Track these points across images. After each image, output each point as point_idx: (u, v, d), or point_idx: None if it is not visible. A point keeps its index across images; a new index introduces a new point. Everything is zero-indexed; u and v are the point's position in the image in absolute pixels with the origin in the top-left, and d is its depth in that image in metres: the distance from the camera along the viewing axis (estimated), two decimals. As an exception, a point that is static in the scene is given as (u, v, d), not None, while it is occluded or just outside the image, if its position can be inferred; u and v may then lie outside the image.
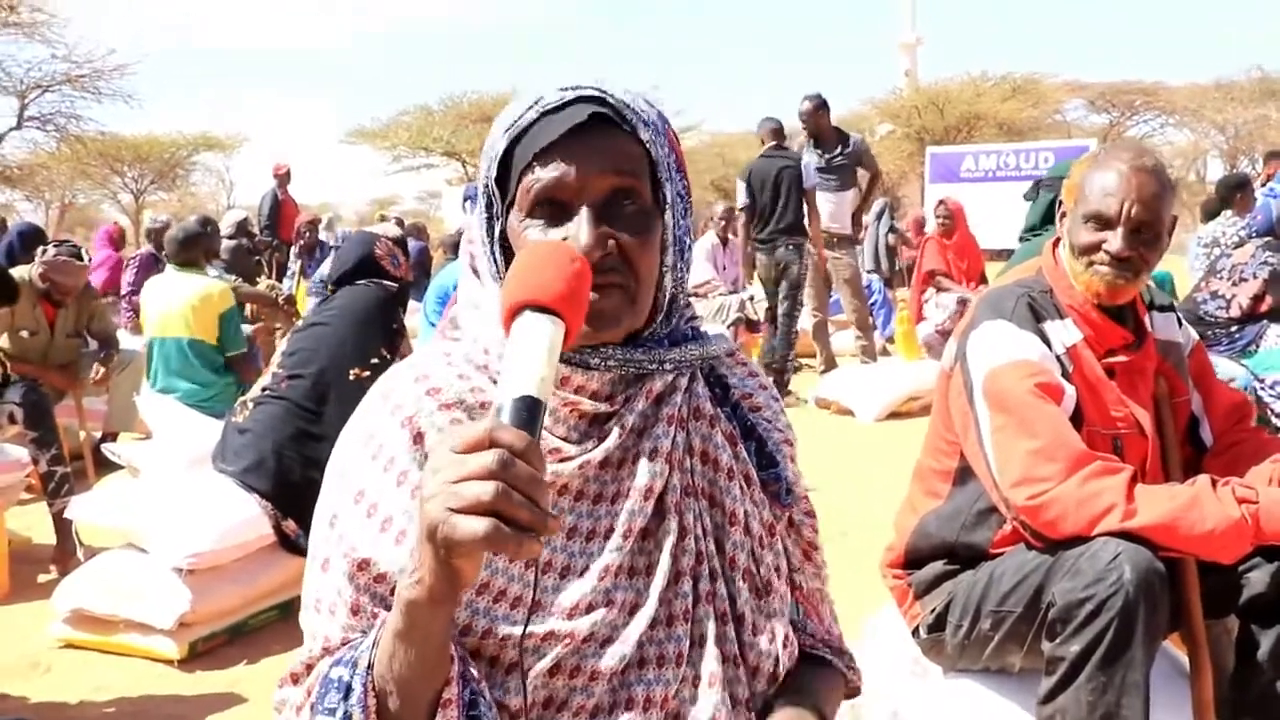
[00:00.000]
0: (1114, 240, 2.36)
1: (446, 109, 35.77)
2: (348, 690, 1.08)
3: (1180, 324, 2.67)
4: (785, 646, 1.32)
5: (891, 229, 14.48)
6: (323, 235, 11.90)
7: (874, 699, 2.61)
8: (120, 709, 3.45)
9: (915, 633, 2.62)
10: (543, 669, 1.17)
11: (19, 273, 5.63)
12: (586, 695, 1.19)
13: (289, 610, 4.07)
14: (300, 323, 4.66)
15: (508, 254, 1.24)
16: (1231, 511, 2.11)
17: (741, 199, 8.66)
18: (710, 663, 1.25)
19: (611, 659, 1.20)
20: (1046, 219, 4.46)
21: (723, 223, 10.94)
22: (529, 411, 0.94)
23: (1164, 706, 2.23)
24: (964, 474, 2.52)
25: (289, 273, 11.57)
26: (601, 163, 1.17)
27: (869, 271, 13.15)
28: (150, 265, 9.65)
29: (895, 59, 46.90)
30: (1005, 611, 2.32)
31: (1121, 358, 2.46)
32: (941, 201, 10.20)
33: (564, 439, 1.24)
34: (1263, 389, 4.49)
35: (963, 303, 8.56)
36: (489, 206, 1.25)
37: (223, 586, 3.85)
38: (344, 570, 1.18)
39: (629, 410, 1.25)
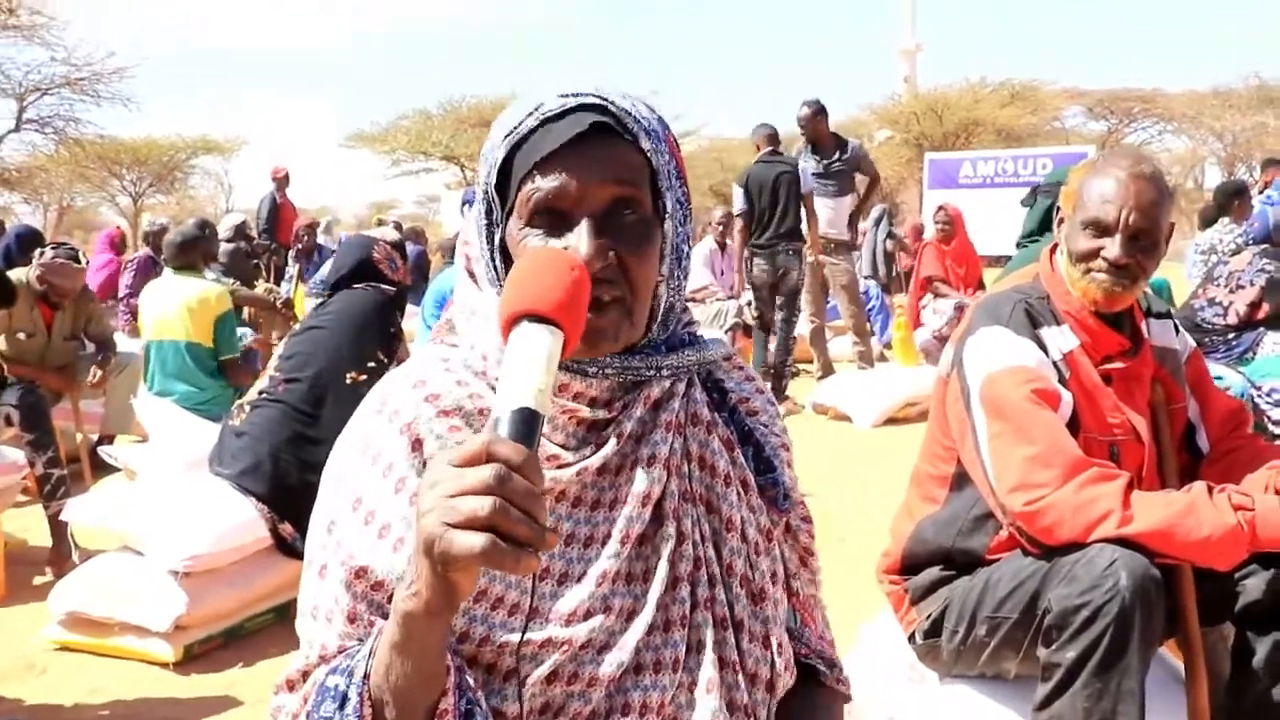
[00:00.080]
0: (1112, 247, 2.36)
1: (445, 113, 35.75)
2: (344, 699, 1.08)
3: (1177, 331, 2.67)
4: (781, 654, 1.32)
5: (890, 235, 14.50)
6: (321, 239, 11.89)
7: (870, 705, 2.60)
8: (115, 712, 3.45)
9: (911, 638, 2.62)
10: (540, 676, 1.17)
11: (16, 275, 5.62)
12: (584, 701, 1.19)
13: (285, 613, 4.07)
14: (297, 326, 4.66)
15: (506, 260, 1.23)
16: (1228, 518, 2.10)
17: (739, 204, 8.65)
18: (708, 669, 1.24)
19: (609, 666, 1.20)
20: (1044, 225, 4.47)
21: (720, 228, 10.95)
22: (527, 424, 0.93)
23: (1159, 713, 2.23)
24: (961, 480, 2.52)
25: (287, 276, 11.56)
26: (603, 173, 1.16)
27: (866, 277, 13.15)
28: (148, 268, 9.65)
29: (894, 65, 46.94)
30: (1001, 617, 2.32)
31: (1118, 364, 2.46)
32: (941, 207, 10.21)
33: (562, 445, 1.24)
34: (1259, 396, 4.49)
35: (960, 309, 8.57)
36: (488, 213, 1.24)
37: (219, 589, 3.85)
38: (341, 578, 1.17)
39: (627, 417, 1.25)
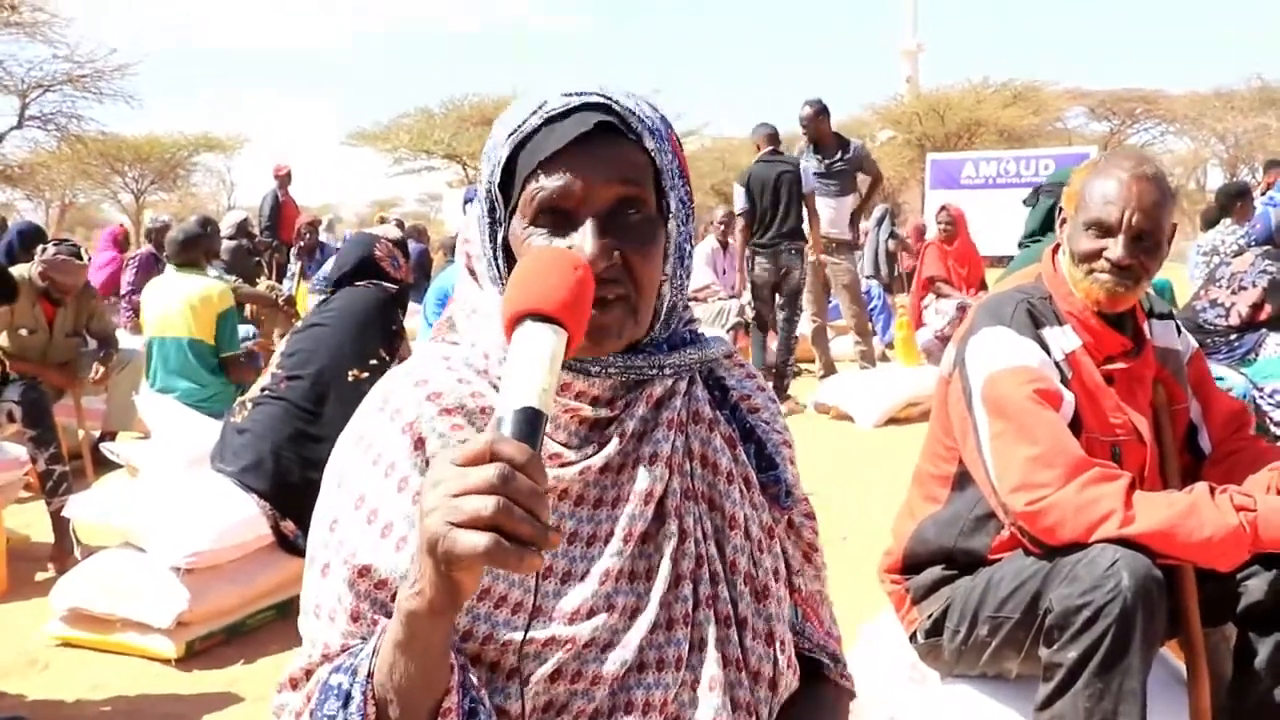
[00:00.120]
0: (1114, 248, 2.36)
1: (447, 111, 35.72)
2: (347, 698, 1.08)
3: (1179, 332, 2.67)
4: (784, 651, 1.32)
5: (892, 235, 14.49)
6: (323, 237, 11.89)
7: (871, 704, 2.61)
8: (117, 707, 3.45)
9: (913, 638, 2.62)
10: (544, 674, 1.17)
11: (18, 271, 5.63)
12: (587, 700, 1.19)
13: (287, 610, 4.07)
14: (299, 323, 4.67)
15: (509, 259, 1.23)
16: (1230, 519, 2.11)
17: (740, 204, 8.63)
18: (711, 666, 1.25)
19: (612, 664, 1.20)
20: (1046, 225, 4.47)
21: (722, 227, 10.95)
22: (530, 423, 0.93)
23: (1161, 714, 2.23)
24: (962, 479, 2.52)
25: (289, 274, 11.56)
26: (607, 172, 1.16)
27: (868, 277, 13.15)
28: (150, 265, 9.66)
29: (896, 65, 46.90)
30: (1003, 617, 2.32)
31: (1120, 365, 2.46)
32: (943, 207, 10.20)
33: (564, 444, 1.24)
34: (1261, 397, 4.49)
35: (962, 309, 8.56)
36: (491, 211, 1.24)
37: (220, 586, 3.85)
38: (344, 576, 1.17)
39: (629, 415, 1.25)
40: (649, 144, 1.20)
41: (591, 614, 1.20)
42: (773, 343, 8.94)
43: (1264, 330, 4.86)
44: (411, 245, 10.52)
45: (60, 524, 4.69)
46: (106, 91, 29.95)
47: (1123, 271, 2.37)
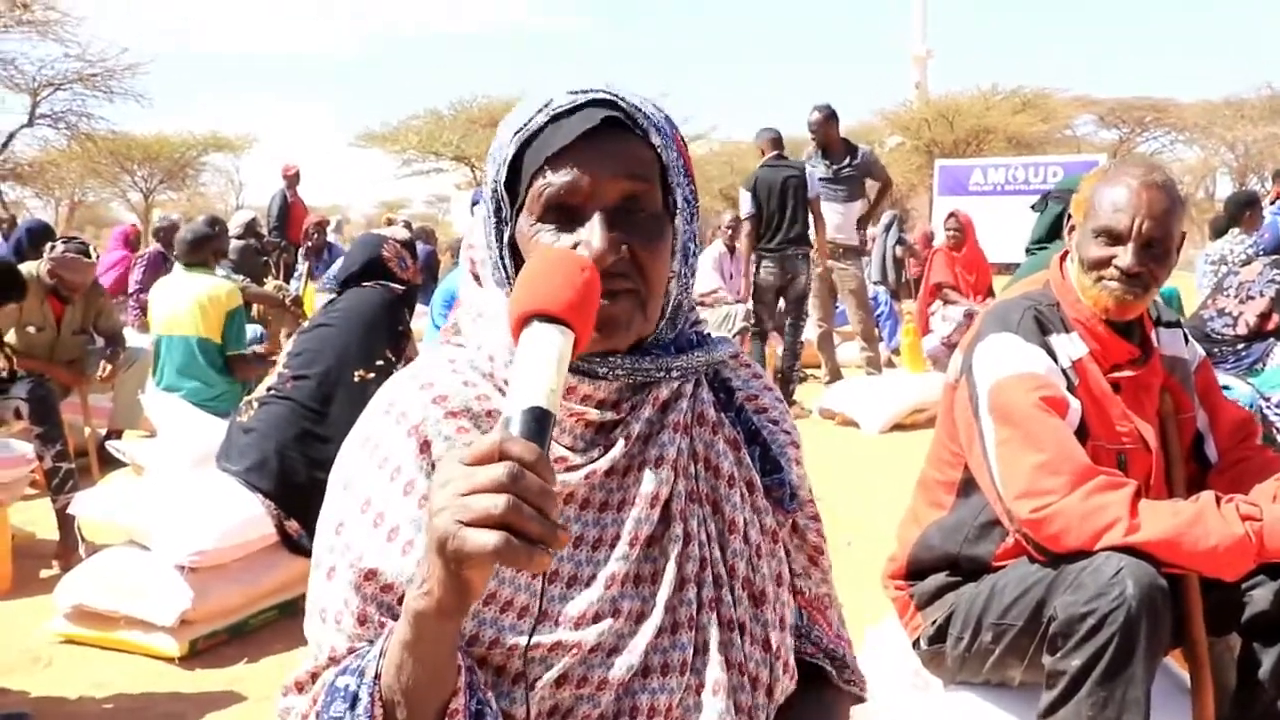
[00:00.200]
0: (1124, 255, 2.36)
1: (456, 113, 35.76)
2: (354, 699, 1.08)
3: (1187, 340, 2.66)
4: (780, 657, 1.31)
5: (900, 241, 14.48)
6: (331, 237, 11.91)
7: (874, 711, 2.60)
8: (120, 705, 3.45)
9: (916, 644, 2.62)
10: (550, 679, 1.17)
11: (27, 269, 5.65)
12: (593, 705, 1.19)
13: (290, 610, 4.07)
14: (306, 323, 4.67)
15: (516, 259, 1.23)
16: (1235, 528, 2.10)
17: (746, 208, 8.60)
18: (714, 670, 1.24)
19: (619, 669, 1.19)
20: (1053, 232, 4.46)
21: (730, 231, 10.94)
22: (538, 423, 0.93)
23: (1164, 723, 2.22)
24: (968, 486, 2.52)
25: (296, 274, 11.58)
26: (614, 167, 1.16)
27: (876, 283, 13.14)
28: (158, 264, 9.68)
29: (906, 71, 46.87)
30: (1006, 624, 2.32)
31: (1127, 373, 2.46)
32: (952, 214, 10.20)
33: (570, 448, 1.23)
34: (1268, 407, 4.48)
35: (969, 316, 8.56)
36: (497, 211, 1.24)
37: (224, 585, 3.86)
38: (350, 580, 1.17)
39: (635, 418, 1.24)
40: (655, 140, 1.20)
41: (597, 619, 1.20)
42: (775, 347, 8.93)
43: (1271, 339, 4.85)
44: (419, 247, 10.52)
45: (65, 521, 4.69)
46: (117, 90, 30.07)
47: (1132, 279, 2.36)
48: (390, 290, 4.51)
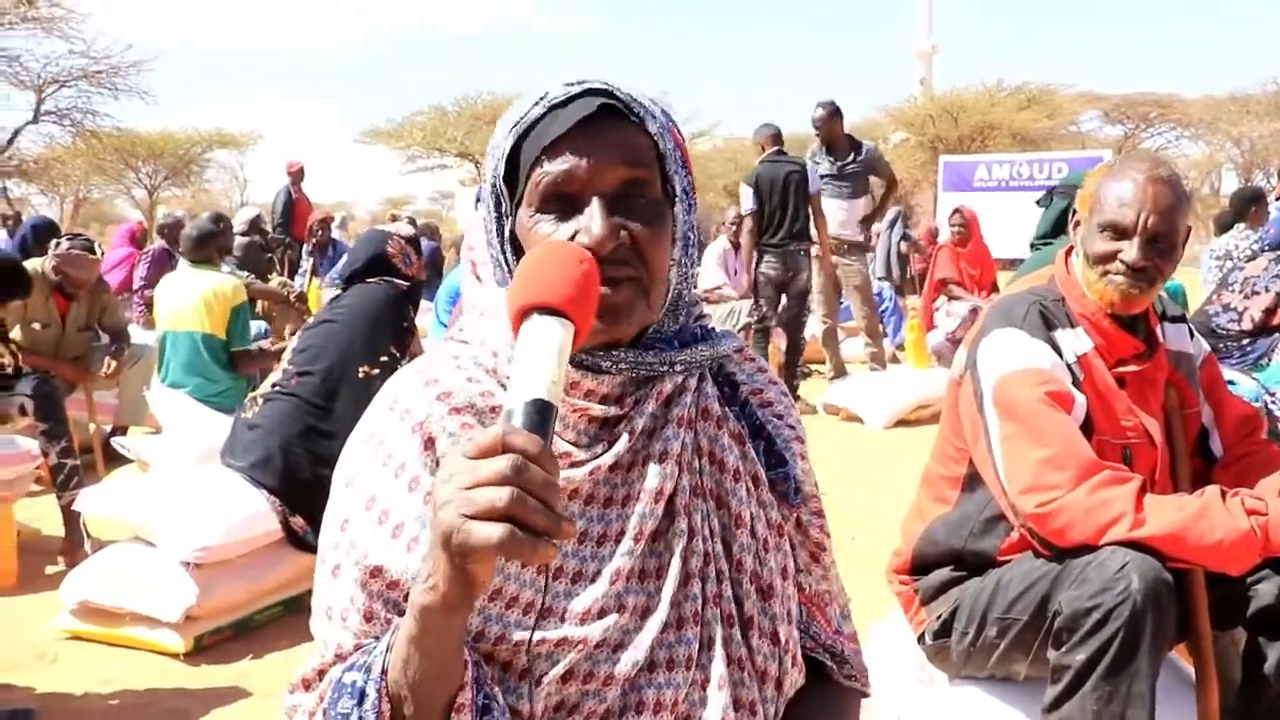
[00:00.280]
0: (1130, 250, 2.36)
1: (461, 110, 35.75)
2: (361, 695, 1.08)
3: (1192, 335, 2.66)
4: (788, 650, 1.31)
5: (904, 237, 14.47)
6: (335, 234, 11.92)
7: (879, 705, 2.60)
8: (125, 701, 3.46)
9: (921, 639, 2.62)
10: (556, 675, 1.17)
11: (32, 265, 5.66)
12: (599, 700, 1.19)
13: (295, 606, 4.08)
14: (311, 320, 4.68)
15: (517, 253, 1.23)
16: (1240, 523, 2.10)
17: (747, 204, 8.58)
18: (718, 665, 1.24)
19: (625, 664, 1.19)
20: (1058, 227, 4.45)
21: (733, 228, 10.92)
22: (540, 415, 0.93)
23: (1170, 718, 2.22)
24: (972, 481, 2.51)
25: (301, 270, 11.60)
26: (612, 154, 1.16)
27: (880, 279, 13.13)
28: (163, 261, 9.69)
29: (910, 67, 46.83)
30: (1011, 619, 2.32)
31: (1132, 367, 2.45)
32: (957, 210, 10.18)
33: (573, 444, 1.23)
34: (1274, 402, 4.47)
35: (974, 312, 8.54)
36: (497, 205, 1.24)
37: (229, 581, 3.86)
38: (356, 577, 1.17)
39: (639, 413, 1.24)
40: (651, 127, 1.20)
41: (603, 614, 1.20)
42: (779, 343, 8.92)
43: (1276, 335, 4.85)
44: (424, 243, 10.53)
45: (71, 518, 4.70)
46: (122, 87, 30.10)
47: (1137, 274, 2.36)
48: (395, 286, 4.51)
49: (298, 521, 4.02)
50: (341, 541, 1.21)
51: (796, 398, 8.55)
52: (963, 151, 30.18)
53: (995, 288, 9.70)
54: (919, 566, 2.65)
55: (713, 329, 1.35)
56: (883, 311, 11.50)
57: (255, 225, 10.46)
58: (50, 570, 4.67)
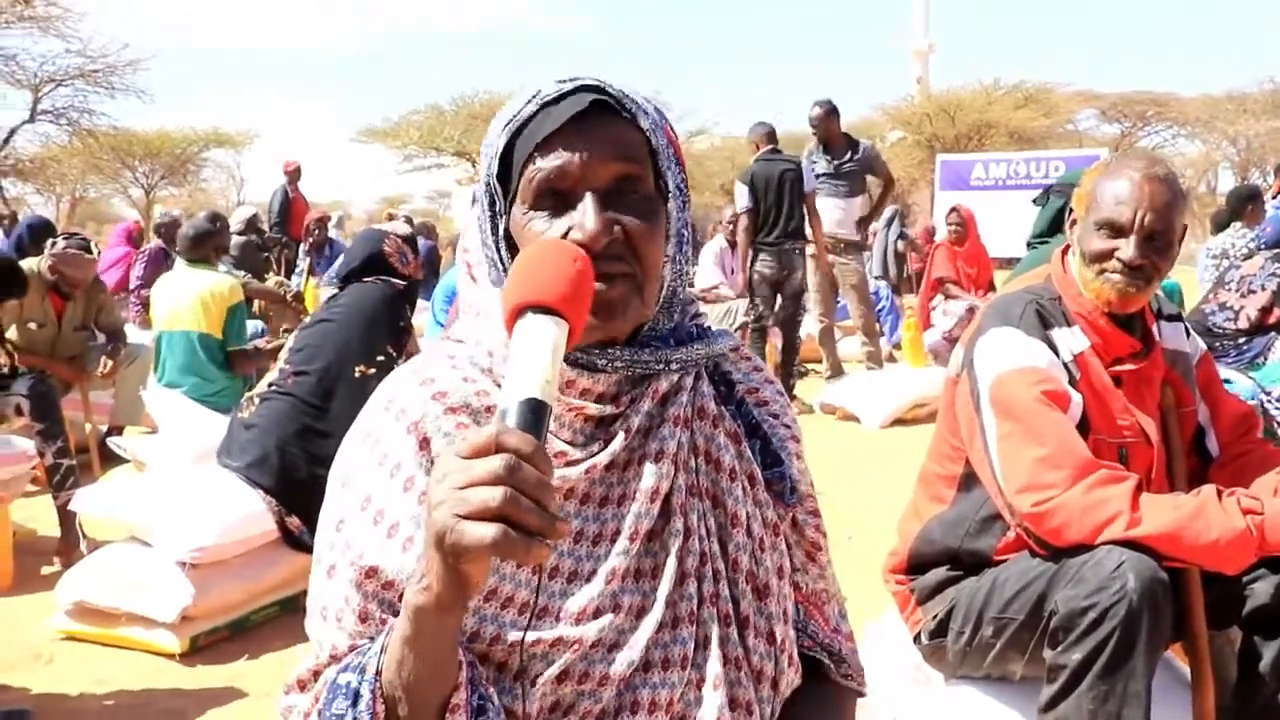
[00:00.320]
0: (1127, 248, 2.36)
1: (457, 109, 35.73)
2: (356, 696, 1.08)
3: (1188, 334, 2.66)
4: (784, 650, 1.31)
5: (901, 236, 14.48)
6: (332, 233, 11.91)
7: (875, 705, 2.60)
8: (121, 702, 3.46)
9: (917, 639, 2.62)
10: (551, 675, 1.17)
11: (28, 265, 5.65)
12: (594, 700, 1.19)
13: (291, 606, 4.07)
14: (308, 319, 4.67)
15: (513, 251, 1.23)
16: (1236, 522, 2.10)
17: (743, 202, 8.55)
18: (714, 664, 1.24)
19: (620, 664, 1.19)
20: (1054, 226, 4.46)
21: (731, 227, 10.92)
22: (534, 414, 0.93)
23: (1165, 717, 2.22)
24: (969, 480, 2.51)
25: (298, 270, 11.58)
26: (604, 150, 1.16)
27: (877, 278, 13.14)
28: (159, 260, 9.67)
29: (907, 65, 46.80)
30: (1007, 619, 2.32)
31: (1129, 366, 2.45)
32: (954, 209, 10.19)
33: (569, 442, 1.23)
34: (1269, 401, 4.48)
35: (971, 311, 8.55)
36: (491, 204, 1.24)
37: (225, 581, 3.86)
38: (351, 578, 1.17)
39: (634, 412, 1.24)
40: (643, 123, 1.20)
41: (598, 614, 1.20)
42: (776, 342, 8.92)
43: (1273, 334, 4.85)
44: (420, 242, 10.53)
45: (67, 518, 4.70)
46: (118, 86, 30.06)
47: (1134, 272, 2.36)
48: (391, 285, 4.51)
49: (294, 521, 4.02)
50: (337, 542, 1.20)
51: (793, 397, 8.55)
52: (960, 150, 30.21)
53: (992, 286, 9.70)
54: (915, 566, 2.65)
55: (709, 328, 1.35)
56: (879, 310, 11.51)
57: (252, 224, 10.46)
58: (46, 570, 4.67)
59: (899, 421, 7.94)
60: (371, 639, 1.14)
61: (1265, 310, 4.89)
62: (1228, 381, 3.37)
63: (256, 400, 4.25)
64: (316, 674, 1.17)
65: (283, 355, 4.40)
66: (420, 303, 7.01)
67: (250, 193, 44.27)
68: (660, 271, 1.22)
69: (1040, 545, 2.26)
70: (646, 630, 1.21)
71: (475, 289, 1.29)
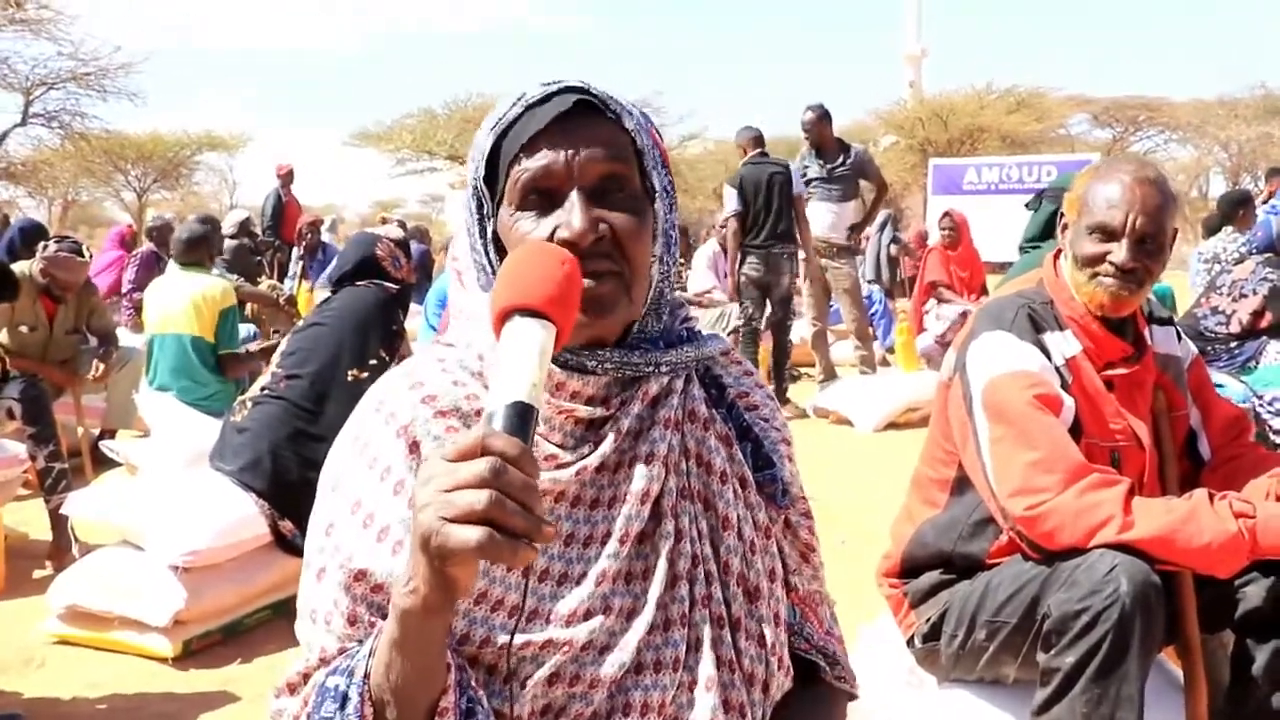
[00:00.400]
0: (1118, 251, 2.36)
1: (450, 112, 35.69)
2: (344, 699, 1.08)
3: (1180, 338, 2.67)
4: (775, 653, 1.31)
5: (894, 240, 14.49)
6: (325, 237, 11.90)
7: (868, 709, 2.60)
8: (113, 706, 3.45)
9: (910, 642, 2.62)
10: (541, 677, 1.17)
11: (19, 268, 5.63)
12: (585, 703, 1.19)
13: (284, 610, 4.07)
14: (300, 323, 4.66)
15: (501, 253, 1.23)
16: (1229, 525, 2.10)
17: (732, 206, 8.57)
18: (706, 667, 1.24)
19: (611, 666, 1.19)
20: (1046, 230, 4.47)
21: (723, 230, 10.94)
22: (521, 418, 0.93)
23: (1158, 720, 2.23)
24: (962, 484, 2.52)
25: (290, 273, 11.58)
26: (590, 149, 1.17)
27: (870, 282, 13.15)
28: (151, 264, 9.65)
29: (900, 70, 46.95)
30: (1001, 622, 2.32)
31: (1121, 370, 2.46)
32: (947, 213, 10.21)
33: (559, 445, 1.23)
34: (1261, 405, 4.49)
35: (964, 315, 8.55)
36: (479, 207, 1.24)
37: (218, 585, 3.85)
38: (340, 581, 1.17)
39: (624, 414, 1.24)
40: (628, 124, 1.21)
41: (588, 616, 1.20)
42: (767, 345, 8.93)
43: (1264, 338, 4.87)
44: (413, 246, 10.52)
45: (59, 521, 4.68)
46: (110, 89, 30.00)
47: (1126, 275, 2.37)
48: (384, 289, 4.50)
49: (286, 525, 4.01)
50: (326, 545, 1.20)
51: (786, 401, 8.56)
52: (952, 154, 30.27)
53: (985, 291, 9.72)
54: (908, 569, 2.65)
55: (699, 331, 1.35)
56: (872, 314, 11.52)
57: (244, 228, 10.42)
58: (38, 574, 4.66)
59: (892, 425, 7.95)
60: (360, 642, 1.14)
61: (1257, 314, 4.90)
62: (1220, 385, 3.37)
63: (249, 404, 4.24)
64: (306, 677, 1.17)
65: (275, 359, 4.39)
66: (413, 307, 7.00)
67: (243, 196, 44.26)
68: (648, 271, 1.23)
69: (1033, 549, 2.26)
70: (637, 632, 1.21)
71: (464, 293, 1.29)
